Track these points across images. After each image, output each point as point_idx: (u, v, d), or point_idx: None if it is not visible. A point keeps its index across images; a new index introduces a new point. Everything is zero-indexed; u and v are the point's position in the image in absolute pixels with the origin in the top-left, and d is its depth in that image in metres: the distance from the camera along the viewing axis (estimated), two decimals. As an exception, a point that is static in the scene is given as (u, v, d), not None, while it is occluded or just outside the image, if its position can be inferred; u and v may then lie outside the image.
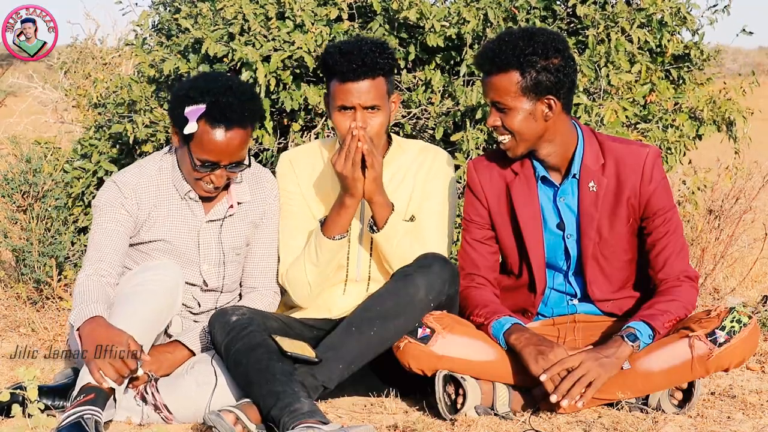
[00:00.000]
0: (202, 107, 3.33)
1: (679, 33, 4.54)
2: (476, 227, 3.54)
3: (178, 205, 3.50)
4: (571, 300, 3.51)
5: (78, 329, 3.15)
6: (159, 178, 3.49)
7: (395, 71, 3.53)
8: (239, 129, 3.36)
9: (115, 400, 3.12)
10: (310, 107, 4.40)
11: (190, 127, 3.33)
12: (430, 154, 3.64)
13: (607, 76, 4.35)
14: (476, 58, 3.42)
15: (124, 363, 3.07)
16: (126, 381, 3.14)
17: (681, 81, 4.62)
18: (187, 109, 3.34)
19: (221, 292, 3.57)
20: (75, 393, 3.09)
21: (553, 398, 3.22)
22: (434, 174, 3.60)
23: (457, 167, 4.37)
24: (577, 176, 3.41)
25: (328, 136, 4.41)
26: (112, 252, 3.38)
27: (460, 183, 4.43)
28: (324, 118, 4.43)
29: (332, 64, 3.44)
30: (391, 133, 3.65)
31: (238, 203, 3.54)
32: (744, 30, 4.68)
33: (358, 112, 3.43)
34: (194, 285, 3.53)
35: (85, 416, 2.99)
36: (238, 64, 4.24)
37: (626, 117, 4.40)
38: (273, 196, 3.60)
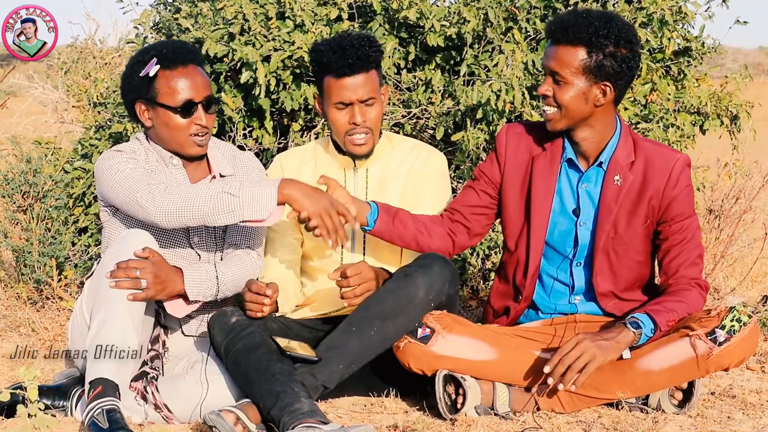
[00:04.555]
0: (153, 60, 3.42)
1: (676, 30, 4.53)
2: (481, 179, 3.54)
3: (167, 175, 3.50)
4: (573, 298, 3.50)
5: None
6: (146, 152, 3.52)
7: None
8: (194, 66, 3.46)
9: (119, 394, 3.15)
10: (310, 107, 4.40)
11: (153, 69, 3.40)
12: (422, 154, 3.64)
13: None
14: (549, 24, 3.39)
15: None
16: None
17: (682, 76, 4.61)
18: (142, 71, 3.42)
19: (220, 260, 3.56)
20: (86, 390, 3.13)
21: (549, 380, 3.21)
22: (427, 178, 3.60)
23: (457, 167, 4.36)
24: (603, 166, 3.40)
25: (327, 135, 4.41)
26: (155, 180, 3.39)
27: (461, 183, 4.43)
28: (324, 118, 4.42)
29: (327, 61, 3.46)
30: (381, 129, 3.65)
31: (221, 175, 3.55)
32: (738, 21, 4.68)
33: (356, 107, 3.47)
34: (187, 260, 3.50)
35: (105, 407, 3.04)
36: (238, 64, 4.24)
37: (627, 117, 4.40)
38: (256, 169, 3.61)
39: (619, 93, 3.36)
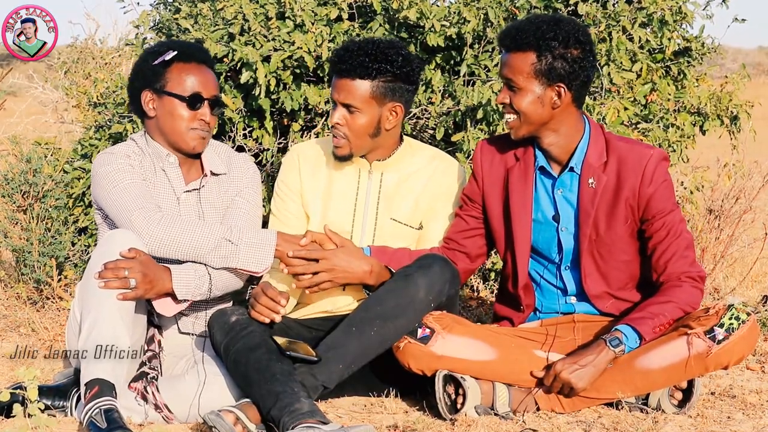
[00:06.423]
0: (170, 51, 3.48)
1: (677, 30, 4.53)
2: (467, 204, 3.57)
3: (159, 176, 3.52)
4: (569, 299, 3.51)
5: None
6: (141, 153, 3.53)
7: (404, 80, 3.52)
8: (207, 67, 3.52)
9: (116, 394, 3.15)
10: (310, 107, 4.40)
11: (169, 55, 3.45)
12: (442, 165, 3.64)
13: (609, 74, 4.35)
14: (500, 34, 3.44)
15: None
16: None
17: (682, 76, 4.61)
18: (158, 59, 3.47)
19: None
20: (82, 391, 3.13)
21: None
22: (446, 191, 3.62)
23: (457, 167, 4.35)
24: (575, 170, 3.40)
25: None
26: (151, 201, 3.39)
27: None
28: (324, 118, 4.43)
29: (331, 58, 3.54)
30: (405, 135, 3.68)
31: (214, 173, 3.57)
32: (736, 19, 4.68)
33: (338, 108, 3.50)
34: None
35: (103, 407, 3.05)
36: (239, 65, 4.24)
37: (627, 116, 4.40)
38: (250, 171, 3.63)
39: (576, 94, 3.35)
